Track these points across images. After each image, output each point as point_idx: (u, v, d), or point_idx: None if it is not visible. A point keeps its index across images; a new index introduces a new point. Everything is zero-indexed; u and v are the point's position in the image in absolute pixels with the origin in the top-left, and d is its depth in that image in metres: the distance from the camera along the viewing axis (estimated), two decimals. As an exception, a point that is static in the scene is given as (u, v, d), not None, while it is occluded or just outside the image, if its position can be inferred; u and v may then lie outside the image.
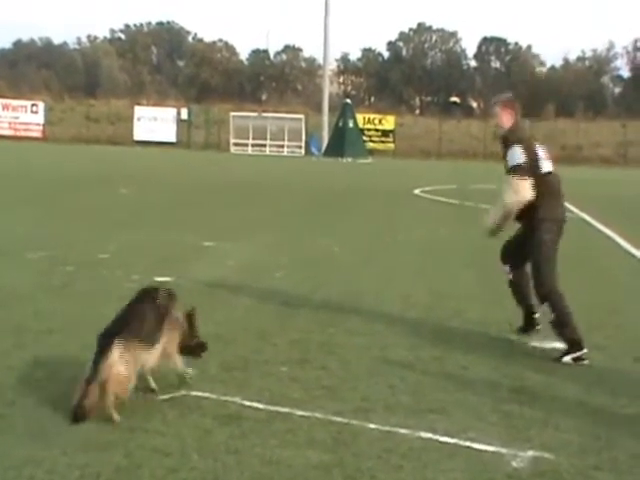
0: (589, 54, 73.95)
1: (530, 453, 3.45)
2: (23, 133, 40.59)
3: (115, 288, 6.42)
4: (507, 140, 5.10)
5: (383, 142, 40.14)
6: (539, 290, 5.08)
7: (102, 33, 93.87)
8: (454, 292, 6.81)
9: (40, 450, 3.26)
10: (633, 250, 9.62)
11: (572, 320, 4.96)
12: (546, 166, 5.05)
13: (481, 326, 5.67)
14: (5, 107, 41.06)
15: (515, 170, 4.97)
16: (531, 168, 4.97)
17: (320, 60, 53.35)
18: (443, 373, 4.54)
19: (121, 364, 3.57)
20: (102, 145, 38.10)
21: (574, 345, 4.89)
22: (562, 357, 4.88)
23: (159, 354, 3.82)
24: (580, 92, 64.19)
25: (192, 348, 4.09)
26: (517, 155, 4.98)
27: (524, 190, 4.94)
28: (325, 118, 38.65)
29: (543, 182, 4.99)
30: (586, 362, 4.86)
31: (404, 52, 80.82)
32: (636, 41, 72.46)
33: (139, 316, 3.75)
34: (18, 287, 6.31)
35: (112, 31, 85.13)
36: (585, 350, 4.88)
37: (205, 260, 7.88)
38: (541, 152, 5.10)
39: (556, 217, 5.08)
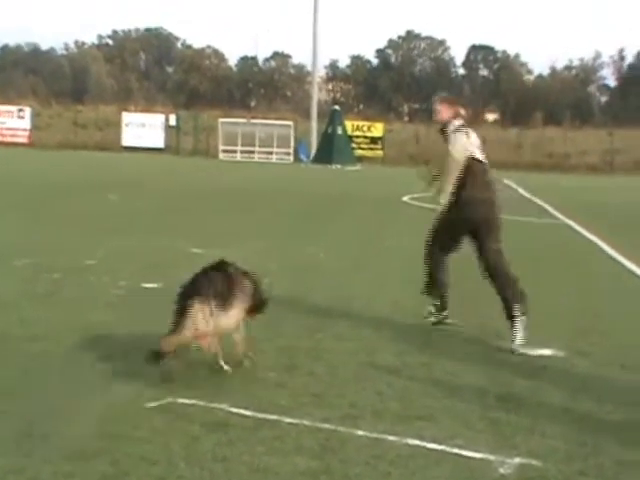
0: (576, 63, 74.58)
1: (517, 460, 3.46)
2: (9, 139, 40.31)
3: (102, 295, 6.40)
4: (444, 128, 5.59)
5: (372, 149, 40.21)
6: (425, 251, 5.86)
7: (90, 39, 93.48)
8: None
9: (24, 458, 3.24)
10: (618, 256, 9.69)
11: (439, 284, 5.79)
12: (477, 154, 5.54)
13: (468, 331, 5.69)
14: (-9, 113, 40.81)
15: (458, 131, 5.50)
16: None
17: (309, 67, 53.44)
18: (430, 379, 4.55)
19: (200, 320, 4.13)
20: (90, 151, 37.98)
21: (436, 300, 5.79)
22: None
23: (233, 318, 4.31)
24: (567, 100, 64.64)
25: (257, 307, 4.56)
26: (456, 124, 5.54)
27: (467, 140, 5.47)
28: (314, 125, 38.67)
29: (470, 164, 5.47)
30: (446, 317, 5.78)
31: (393, 59, 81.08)
32: (622, 50, 73.17)
33: (213, 281, 4.29)
34: (3, 294, 6.27)
35: (100, 37, 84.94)
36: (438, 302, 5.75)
37: (193, 267, 7.85)
38: (475, 140, 5.59)
39: (471, 197, 5.50)
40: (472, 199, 5.48)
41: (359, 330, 5.63)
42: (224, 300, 4.25)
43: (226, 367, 4.41)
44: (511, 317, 5.33)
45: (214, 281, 4.30)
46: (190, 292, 4.24)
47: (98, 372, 4.40)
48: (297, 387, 4.28)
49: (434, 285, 5.84)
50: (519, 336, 5.26)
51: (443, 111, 5.62)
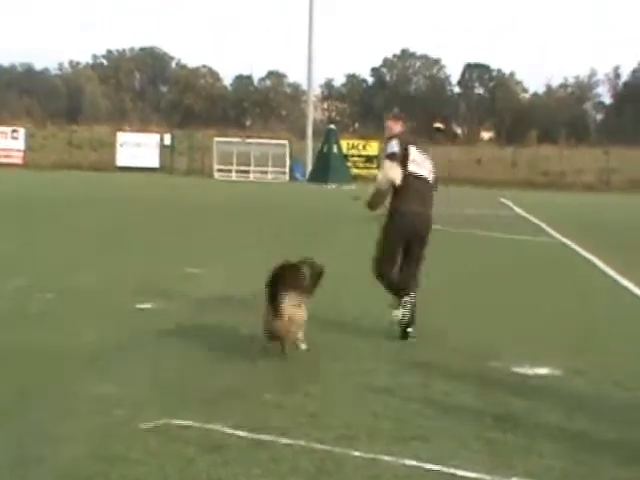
0: (571, 81, 75.18)
1: (514, 480, 3.47)
2: (4, 160, 40.36)
3: (96, 315, 6.41)
4: (391, 138, 6.16)
5: (367, 168, 40.35)
6: (373, 271, 6.14)
7: (84, 59, 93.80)
8: (437, 316, 6.85)
9: (19, 481, 3.25)
10: (614, 274, 9.74)
11: (396, 287, 6.02)
12: (413, 168, 6.00)
13: (463, 351, 5.71)
14: (-15, 133, 40.84)
15: (389, 156, 6.03)
16: (400, 162, 5.94)
17: (304, 86, 53.79)
18: (426, 399, 4.57)
19: (294, 309, 5.11)
20: (84, 171, 38.03)
21: (397, 298, 5.98)
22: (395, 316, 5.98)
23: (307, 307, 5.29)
24: (563, 118, 65.08)
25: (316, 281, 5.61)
26: (392, 145, 6.03)
27: (393, 172, 5.93)
28: (309, 143, 38.87)
29: (404, 179, 5.93)
30: (408, 302, 5.92)
31: (388, 78, 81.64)
32: (617, 68, 73.84)
33: (294, 280, 5.31)
34: (-2, 315, 6.28)
35: (94, 57, 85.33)
36: (406, 298, 5.93)
37: (188, 286, 7.89)
38: (416, 156, 6.04)
39: (406, 210, 5.97)
40: (407, 212, 5.97)
41: (355, 349, 5.65)
42: (303, 293, 5.27)
43: (304, 346, 5.34)
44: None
45: (296, 277, 5.33)
46: (281, 288, 5.18)
47: (92, 393, 4.41)
48: (293, 408, 4.30)
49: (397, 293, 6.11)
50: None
51: (394, 127, 6.27)
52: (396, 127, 6.26)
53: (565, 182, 38.39)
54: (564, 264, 11.21)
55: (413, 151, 6.04)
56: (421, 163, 6.09)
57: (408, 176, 5.96)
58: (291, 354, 5.44)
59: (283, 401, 4.39)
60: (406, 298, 5.94)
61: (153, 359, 5.14)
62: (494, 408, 4.44)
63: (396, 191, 5.96)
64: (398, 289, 6.01)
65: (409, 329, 5.96)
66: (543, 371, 5.27)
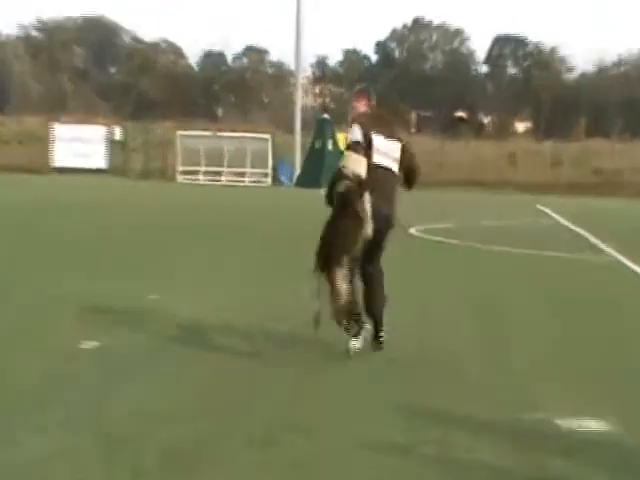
0: (629, 57, 75.50)
1: None
2: None
3: (29, 355, 6.43)
4: (353, 121, 6.63)
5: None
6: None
7: (8, 29, 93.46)
8: (459, 353, 6.90)
9: None
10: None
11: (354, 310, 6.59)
12: (378, 159, 6.52)
13: (492, 397, 5.76)
14: None
15: (352, 146, 6.53)
16: (364, 151, 6.43)
17: (291, 65, 54.04)
18: (443, 460, 4.59)
19: (341, 283, 6.30)
20: (11, 173, 38.03)
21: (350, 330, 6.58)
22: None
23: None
24: (617, 105, 65.47)
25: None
26: (355, 133, 6.52)
27: (360, 166, 6.39)
28: (297, 138, 39.07)
29: (368, 171, 6.39)
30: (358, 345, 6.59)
31: (397, 54, 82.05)
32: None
33: (345, 237, 6.41)
34: None
35: (23, 27, 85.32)
36: (356, 340, 6.60)
37: (148, 317, 7.93)
38: (381, 144, 6.55)
39: (382, 212, 6.52)
40: (375, 212, 6.44)
41: (350, 393, 5.69)
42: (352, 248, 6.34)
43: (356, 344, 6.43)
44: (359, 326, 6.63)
45: (347, 244, 6.33)
46: (330, 261, 6.30)
47: (22, 450, 4.44)
48: (274, 467, 4.33)
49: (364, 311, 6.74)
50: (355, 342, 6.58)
51: (359, 105, 6.77)
52: (360, 106, 6.74)
53: (620, 183, 38.57)
54: (618, 289, 11.27)
55: (376, 138, 6.53)
56: (386, 152, 6.59)
57: (372, 168, 6.46)
58: (272, 395, 5.48)
59: (263, 458, 4.43)
60: (365, 327, 6.74)
61: (99, 408, 5.18)
62: (527, 469, 4.47)
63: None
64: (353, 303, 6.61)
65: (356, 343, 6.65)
66: (592, 424, 5.30)
